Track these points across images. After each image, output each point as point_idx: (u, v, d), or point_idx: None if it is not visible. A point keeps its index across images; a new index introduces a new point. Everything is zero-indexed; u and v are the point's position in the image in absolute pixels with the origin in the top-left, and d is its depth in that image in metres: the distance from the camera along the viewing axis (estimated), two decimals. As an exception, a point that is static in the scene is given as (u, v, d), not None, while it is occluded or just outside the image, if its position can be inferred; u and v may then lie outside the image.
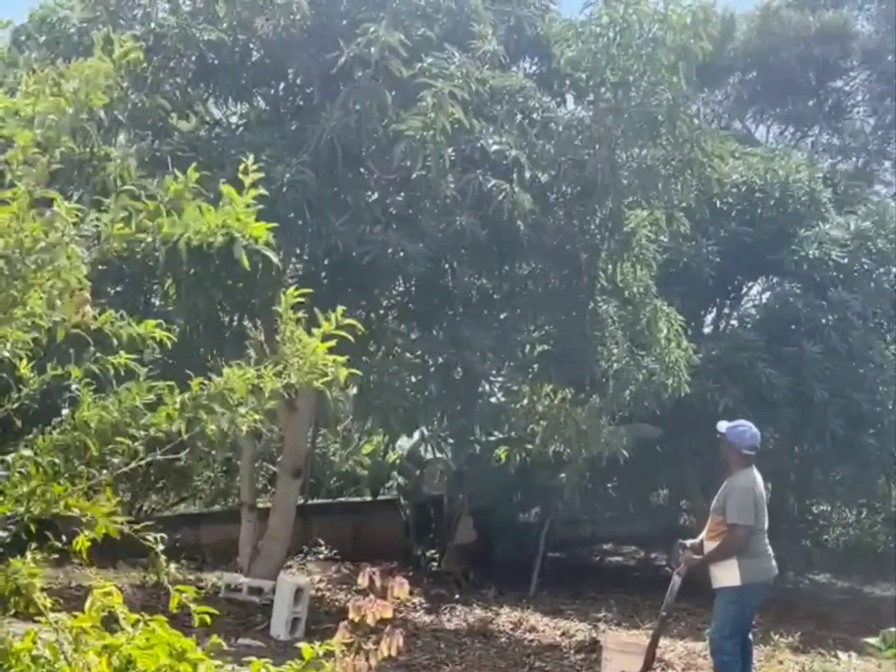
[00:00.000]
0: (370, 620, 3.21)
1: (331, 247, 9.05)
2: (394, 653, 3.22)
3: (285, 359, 4.16)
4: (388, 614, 3.24)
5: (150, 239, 3.77)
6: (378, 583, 3.29)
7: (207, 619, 3.59)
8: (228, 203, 3.81)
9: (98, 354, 4.15)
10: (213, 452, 15.93)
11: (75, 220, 3.65)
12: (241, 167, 3.89)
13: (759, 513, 7.53)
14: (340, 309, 4.36)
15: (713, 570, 7.55)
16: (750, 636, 7.87)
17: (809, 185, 15.98)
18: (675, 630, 11.49)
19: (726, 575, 7.44)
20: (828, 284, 15.32)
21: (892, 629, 7.20)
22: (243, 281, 9.66)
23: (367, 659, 3.18)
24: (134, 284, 10.04)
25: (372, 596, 3.29)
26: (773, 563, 7.63)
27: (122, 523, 3.85)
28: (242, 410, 4.15)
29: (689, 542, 7.88)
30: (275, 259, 4.04)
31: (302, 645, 3.20)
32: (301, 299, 4.47)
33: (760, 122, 25.71)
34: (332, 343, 4.20)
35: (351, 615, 3.20)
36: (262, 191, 4.07)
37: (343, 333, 4.24)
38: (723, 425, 7.84)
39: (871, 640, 7.25)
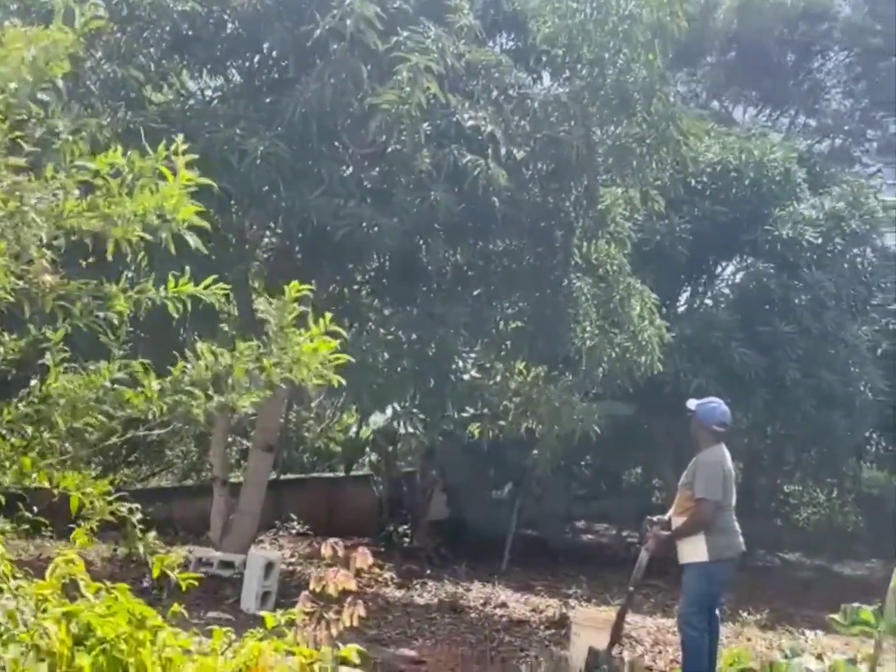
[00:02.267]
0: (332, 591, 3.20)
1: (304, 221, 8.99)
2: (355, 623, 3.21)
3: (283, 352, 4.13)
4: (351, 585, 3.23)
5: (95, 220, 3.74)
6: (341, 554, 3.28)
7: (188, 585, 3.58)
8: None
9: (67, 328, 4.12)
10: (188, 427, 15.98)
11: (39, 190, 3.62)
12: (173, 147, 3.84)
13: (727, 489, 7.57)
14: (328, 316, 4.32)
15: (680, 545, 7.58)
16: (717, 612, 7.92)
17: (784, 165, 16.03)
18: (644, 606, 11.58)
19: (693, 551, 7.47)
20: (801, 264, 15.38)
21: (856, 604, 7.23)
22: (218, 255, 9.59)
23: (329, 628, 3.18)
24: (104, 258, 9.94)
25: (335, 567, 3.28)
26: (741, 539, 7.67)
27: (95, 496, 3.84)
28: (231, 396, 4.13)
29: (656, 519, 7.92)
30: (195, 244, 3.98)
31: (264, 613, 3.20)
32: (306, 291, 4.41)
33: (738, 103, 25.71)
34: (333, 344, 4.18)
35: (312, 585, 3.19)
36: (209, 180, 4.06)
37: (339, 341, 4.23)
38: (693, 403, 7.88)
39: (835, 617, 7.27)
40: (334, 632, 3.16)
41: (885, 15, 22.38)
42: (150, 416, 4.15)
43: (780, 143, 17.65)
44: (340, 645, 3.16)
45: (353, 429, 17.21)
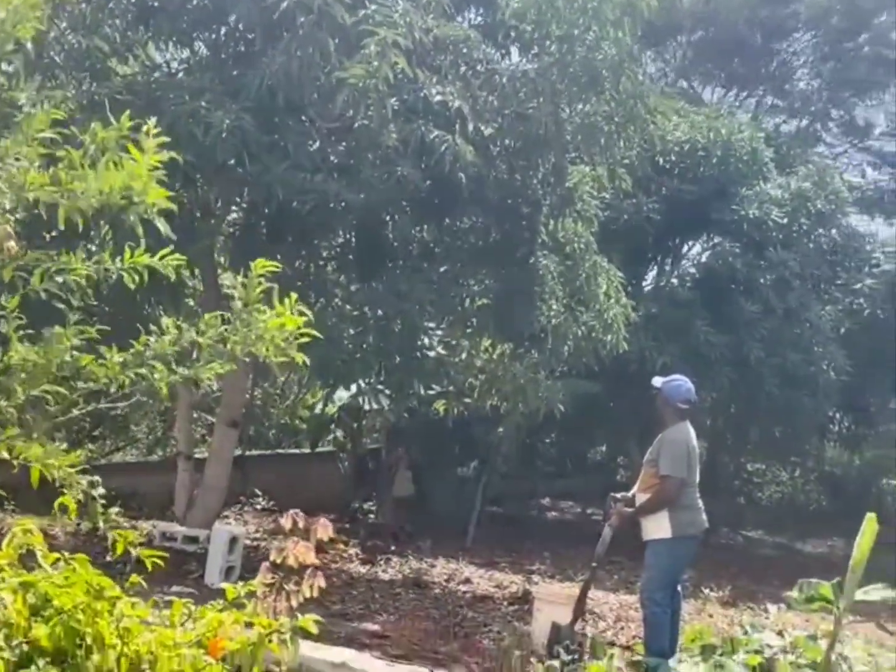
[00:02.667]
0: (292, 562, 3.19)
1: (270, 195, 8.92)
2: (315, 594, 3.21)
3: (248, 328, 4.10)
4: (311, 557, 3.22)
5: (56, 194, 3.71)
6: (301, 525, 3.27)
7: (151, 566, 3.57)
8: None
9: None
10: (152, 402, 15.89)
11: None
12: (144, 128, 3.80)
13: (692, 466, 7.61)
14: (294, 296, 4.30)
15: (644, 522, 7.62)
16: (679, 589, 7.97)
17: (751, 144, 16.10)
18: (607, 583, 11.65)
19: (657, 527, 7.51)
20: (767, 244, 15.48)
21: (813, 580, 7.31)
22: (182, 230, 9.51)
23: (289, 600, 3.17)
24: (70, 230, 9.85)
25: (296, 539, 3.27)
26: (704, 516, 7.72)
27: (57, 468, 3.81)
28: (195, 370, 4.11)
29: (620, 496, 7.96)
30: (164, 230, 3.96)
31: (225, 585, 3.18)
32: (272, 268, 4.39)
33: (706, 83, 25.77)
34: (300, 320, 4.17)
35: (273, 557, 3.18)
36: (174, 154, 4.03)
37: (305, 318, 4.21)
38: (658, 380, 7.91)
39: (795, 594, 7.35)
40: (294, 603, 3.16)
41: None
42: (112, 390, 4.12)
43: (747, 123, 17.75)
44: (300, 616, 3.16)
45: (319, 405, 17.14)
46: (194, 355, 4.06)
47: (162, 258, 4.06)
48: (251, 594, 3.18)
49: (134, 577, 3.38)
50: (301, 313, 4.09)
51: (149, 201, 3.84)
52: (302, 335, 4.10)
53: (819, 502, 22.09)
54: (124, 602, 3.10)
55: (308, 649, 5.70)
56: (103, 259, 3.98)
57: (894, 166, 26.39)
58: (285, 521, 3.30)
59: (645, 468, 7.79)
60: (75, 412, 4.31)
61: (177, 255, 4.24)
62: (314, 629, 3.20)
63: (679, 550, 7.61)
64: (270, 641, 3.06)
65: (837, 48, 23.81)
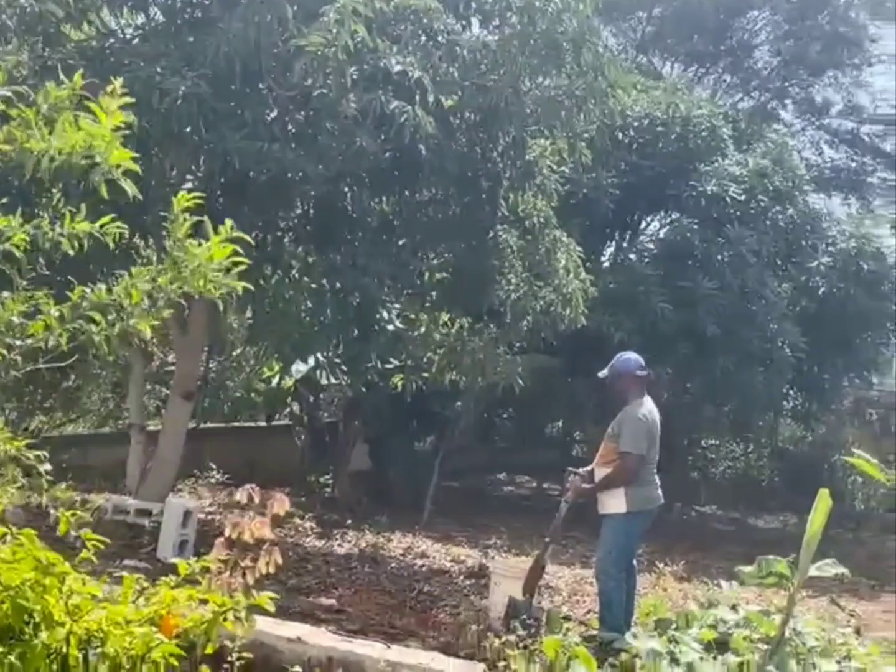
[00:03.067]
0: (248, 537, 3.11)
1: (226, 163, 8.79)
2: (272, 570, 3.13)
3: (177, 266, 4.03)
4: (267, 533, 3.14)
5: (12, 152, 3.60)
6: (257, 500, 3.19)
7: (101, 544, 3.48)
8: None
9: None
10: (103, 372, 15.70)
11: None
12: (109, 89, 3.69)
13: (652, 443, 7.62)
14: (229, 223, 4.24)
15: (601, 497, 7.64)
16: (634, 563, 8.00)
17: (710, 121, 16.12)
18: (563, 557, 11.67)
19: (613, 502, 7.54)
20: (725, 221, 15.51)
21: (771, 557, 7.34)
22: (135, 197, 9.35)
23: (244, 576, 3.10)
24: (21, 196, 9.65)
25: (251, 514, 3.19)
26: (659, 492, 7.75)
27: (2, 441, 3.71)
28: (132, 321, 4.02)
29: (577, 470, 7.95)
30: (132, 191, 3.86)
31: (177, 561, 3.10)
32: (194, 202, 4.33)
33: (666, 60, 25.78)
34: (229, 249, 4.10)
35: (228, 532, 3.10)
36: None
37: (235, 247, 4.14)
38: (604, 371, 7.92)
39: (748, 569, 7.39)
40: (250, 580, 3.08)
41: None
42: (50, 346, 4.03)
43: (706, 100, 17.76)
44: (256, 593, 3.09)
45: (276, 379, 17.00)
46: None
47: (102, 226, 3.95)
48: (206, 570, 3.10)
49: (84, 553, 3.29)
50: (239, 241, 4.01)
51: (111, 162, 3.73)
52: (236, 263, 4.01)
53: (772, 478, 22.28)
54: (73, 578, 3.01)
55: (264, 624, 5.64)
56: (41, 224, 3.86)
57: (851, 145, 26.57)
58: (240, 496, 3.21)
59: (605, 442, 7.79)
60: (14, 374, 4.19)
61: (118, 223, 4.14)
62: (271, 607, 3.14)
63: (634, 525, 7.65)
64: (225, 620, 3.00)
65: (796, 27, 23.88)
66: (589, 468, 7.91)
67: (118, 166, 3.75)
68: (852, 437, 21.04)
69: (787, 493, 19.84)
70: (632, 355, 7.89)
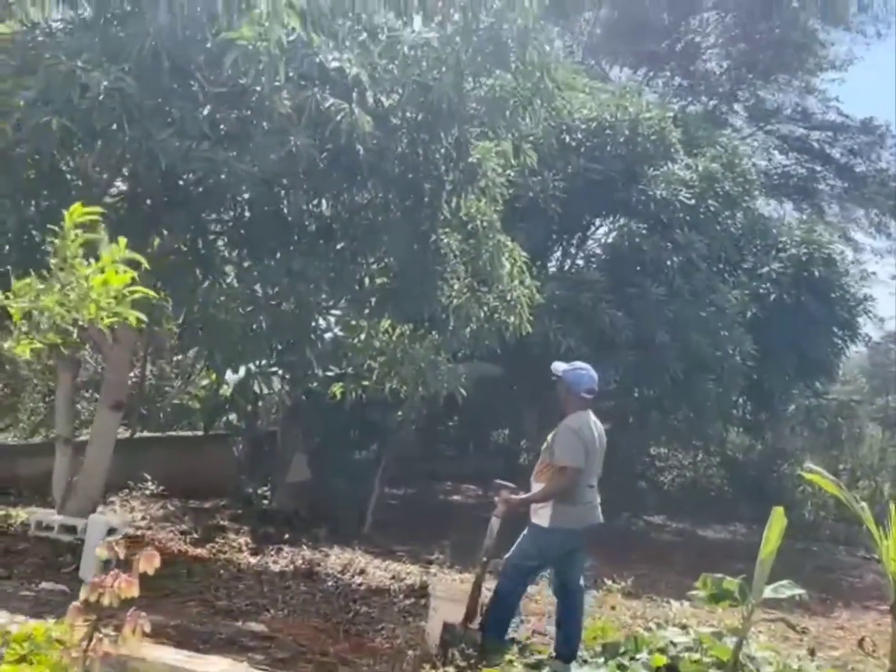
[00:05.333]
0: (110, 601, 2.68)
1: (152, 163, 8.32)
2: (139, 637, 2.70)
3: (63, 289, 3.58)
4: (134, 592, 2.71)
5: None
6: (122, 555, 2.76)
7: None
8: None
9: None
10: (33, 380, 15.16)
11: None
12: None
13: (591, 461, 7.32)
14: (123, 240, 3.80)
15: (533, 505, 7.40)
16: (582, 583, 7.67)
17: (659, 124, 15.89)
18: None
19: (541, 513, 7.32)
20: (674, 225, 15.29)
21: (718, 575, 7.08)
22: (59, 198, 8.88)
23: (106, 647, 2.66)
24: None
25: (116, 570, 2.75)
26: (596, 512, 7.49)
27: None
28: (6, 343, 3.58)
29: (509, 483, 7.71)
30: None
31: (34, 624, 2.67)
32: (93, 217, 3.91)
33: (615, 63, 25.58)
34: (126, 277, 3.66)
35: (84, 595, 2.66)
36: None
37: (133, 273, 3.69)
38: (560, 367, 7.60)
39: (700, 593, 7.13)
40: (114, 651, 2.65)
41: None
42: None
43: (655, 103, 17.52)
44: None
45: (215, 386, 16.50)
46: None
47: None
48: (58, 642, 2.68)
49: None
50: (134, 263, 3.56)
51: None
52: (133, 291, 3.56)
53: (721, 487, 22.08)
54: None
55: (178, 656, 5.21)
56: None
57: (801, 151, 26.52)
58: (102, 552, 2.78)
59: (542, 456, 7.52)
60: None
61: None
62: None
63: (553, 542, 7.37)
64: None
65: (747, 30, 23.76)
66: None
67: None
68: (802, 446, 20.93)
69: (736, 502, 19.68)
70: (587, 373, 7.54)
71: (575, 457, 7.23)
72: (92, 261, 3.53)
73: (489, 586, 7.78)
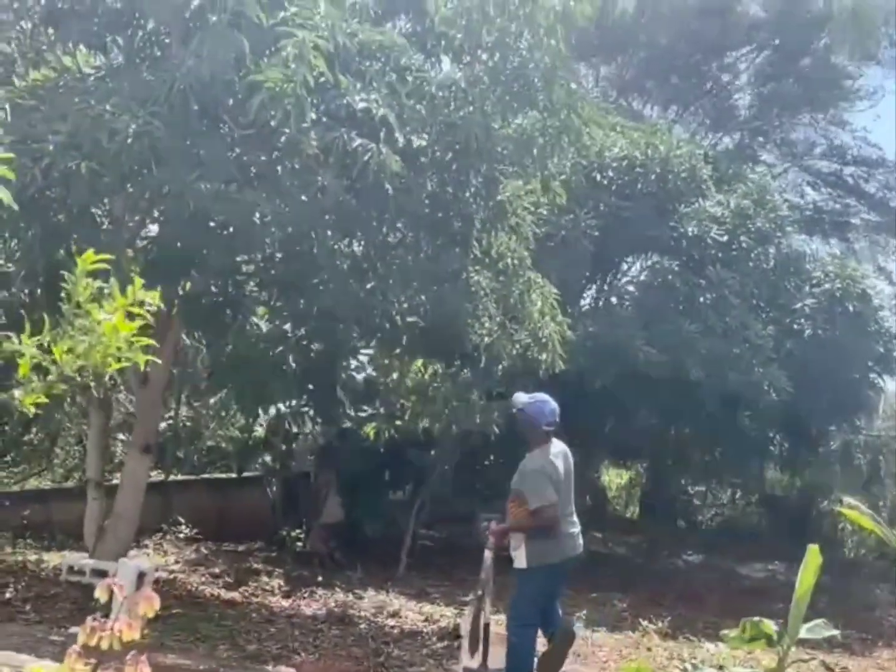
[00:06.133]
0: (109, 645, 2.61)
1: (181, 205, 8.35)
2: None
3: (73, 336, 3.55)
4: (135, 635, 2.65)
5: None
6: (121, 597, 2.69)
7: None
8: None
9: None
10: (68, 424, 15.20)
11: None
12: None
13: (561, 490, 7.29)
14: (139, 281, 3.77)
15: (512, 553, 7.49)
16: (559, 611, 7.76)
17: (690, 161, 15.83)
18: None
19: (518, 558, 7.43)
20: (706, 262, 15.18)
21: (756, 618, 6.92)
22: (89, 242, 8.94)
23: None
24: None
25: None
26: (575, 541, 7.54)
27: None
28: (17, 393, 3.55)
29: (493, 515, 7.99)
30: (7, 199, 3.43)
31: (34, 666, 2.62)
32: (103, 265, 3.86)
33: (647, 102, 25.58)
34: (133, 326, 3.62)
35: (81, 638, 2.60)
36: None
37: (142, 311, 3.66)
38: (521, 399, 7.59)
39: (733, 632, 6.98)
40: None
41: (795, 15, 22.48)
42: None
43: (685, 140, 17.48)
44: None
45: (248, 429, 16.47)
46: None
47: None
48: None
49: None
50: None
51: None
52: (138, 340, 3.52)
53: (759, 525, 21.79)
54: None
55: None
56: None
57: (833, 186, 26.34)
58: (100, 593, 2.72)
59: (511, 496, 7.50)
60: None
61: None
62: None
63: (538, 579, 7.42)
64: None
65: (779, 68, 23.71)
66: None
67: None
68: (841, 483, 20.61)
69: (773, 540, 19.36)
70: (548, 405, 7.57)
71: (545, 495, 7.26)
72: (105, 305, 3.50)
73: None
